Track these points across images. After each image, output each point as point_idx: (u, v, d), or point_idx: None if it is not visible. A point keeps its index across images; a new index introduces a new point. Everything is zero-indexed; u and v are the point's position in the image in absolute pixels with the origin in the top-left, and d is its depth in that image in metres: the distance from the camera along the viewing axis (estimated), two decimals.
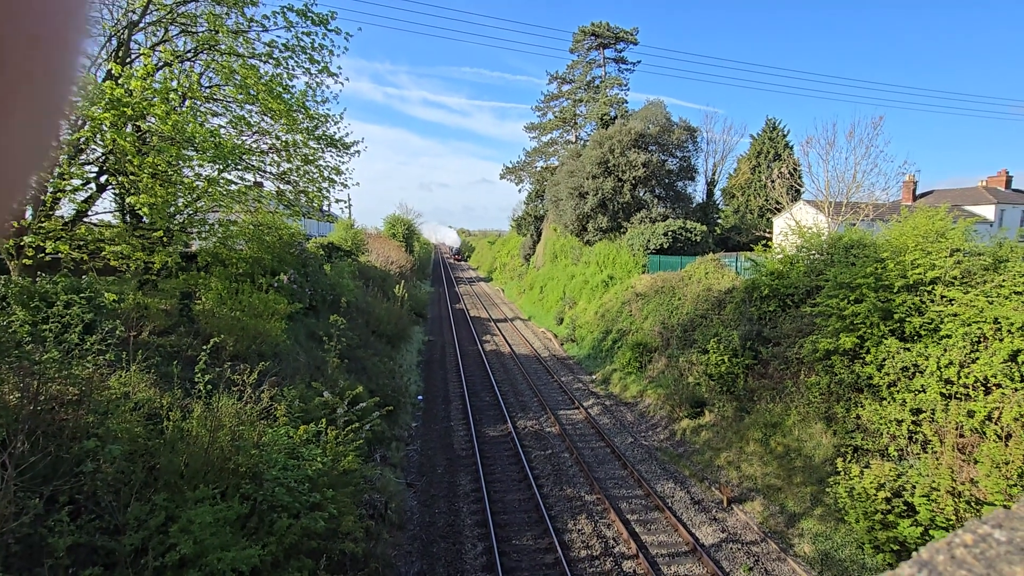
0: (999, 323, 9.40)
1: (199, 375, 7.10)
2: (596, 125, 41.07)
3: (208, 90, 11.64)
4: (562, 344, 28.27)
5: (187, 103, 10.92)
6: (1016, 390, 8.87)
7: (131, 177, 9.85)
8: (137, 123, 10.09)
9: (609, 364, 22.10)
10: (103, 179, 10.58)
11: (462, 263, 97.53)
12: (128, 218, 11.49)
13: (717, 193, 42.58)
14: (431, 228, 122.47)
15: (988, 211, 34.03)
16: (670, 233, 28.54)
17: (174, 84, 10.55)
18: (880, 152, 31.92)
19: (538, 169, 53.78)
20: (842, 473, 9.85)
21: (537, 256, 48.68)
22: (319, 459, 7.82)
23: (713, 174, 41.32)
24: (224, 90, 11.59)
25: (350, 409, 10.95)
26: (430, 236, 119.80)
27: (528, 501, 11.66)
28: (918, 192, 37.20)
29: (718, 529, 10.57)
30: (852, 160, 23.24)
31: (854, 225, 20.22)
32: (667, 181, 34.20)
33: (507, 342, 28.65)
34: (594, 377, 21.86)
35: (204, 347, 7.84)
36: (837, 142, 26.46)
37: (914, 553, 0.65)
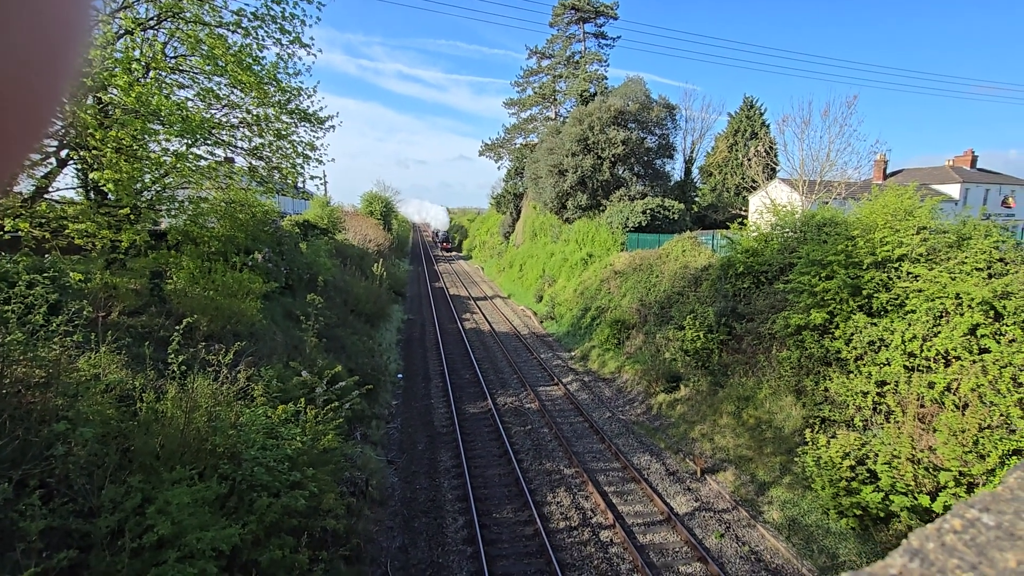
0: (960, 298, 9.77)
1: (172, 356, 6.96)
2: (576, 101, 40.73)
3: (173, 60, 11.14)
4: (541, 322, 28.47)
5: (151, 74, 10.45)
6: (974, 362, 9.28)
7: (94, 152, 9.45)
8: (98, 95, 9.64)
9: (588, 341, 22.37)
10: (64, 154, 10.13)
11: (451, 252, 73.38)
12: (92, 195, 11.06)
13: (695, 171, 42.84)
14: (416, 206, 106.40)
15: (954, 190, 35.02)
16: (648, 211, 28.71)
17: (136, 54, 10.07)
18: (853, 131, 32.36)
19: (517, 146, 53.25)
20: (810, 443, 10.25)
21: (517, 234, 48.57)
22: (298, 438, 7.82)
23: (691, 152, 41.53)
24: (190, 61, 11.11)
25: (329, 388, 10.91)
26: (412, 215, 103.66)
27: (508, 476, 11.86)
28: (888, 171, 38.00)
29: (692, 498, 10.93)
30: (826, 139, 23.63)
31: (827, 203, 20.61)
32: (646, 159, 34.25)
33: (487, 320, 28.73)
34: (573, 354, 22.13)
35: (177, 327, 7.68)
36: (812, 121, 26.81)
37: (904, 541, 0.64)
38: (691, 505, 10.71)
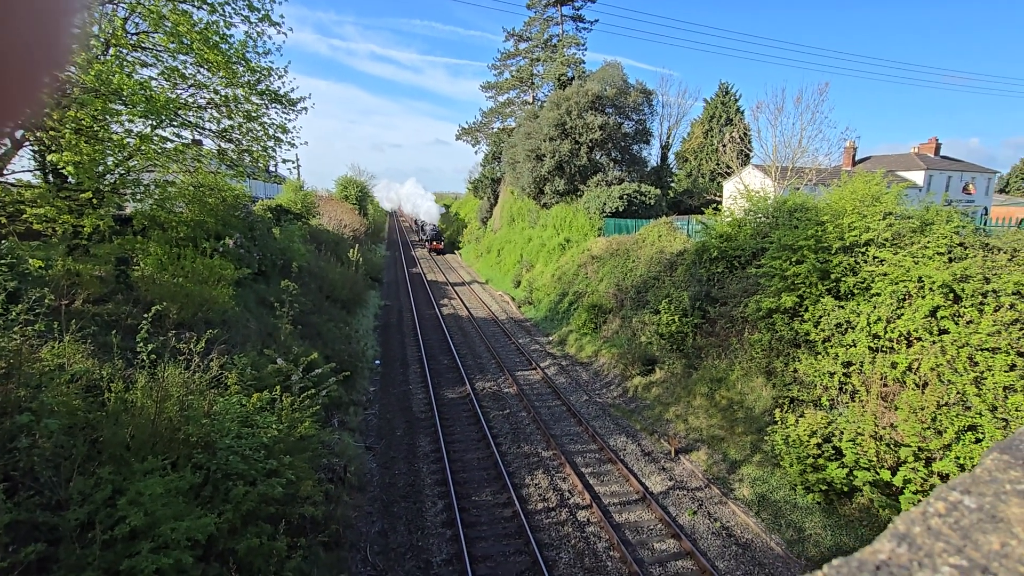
0: (922, 281, 10.13)
1: (141, 344, 6.78)
2: (553, 85, 40.46)
3: (135, 37, 10.67)
4: (519, 307, 28.56)
5: (111, 51, 10.00)
6: (934, 343, 9.67)
7: (51, 132, 9.03)
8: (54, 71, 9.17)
9: (565, 326, 22.55)
10: (19, 134, 9.65)
11: (443, 255, 52.70)
12: (51, 178, 10.60)
13: (671, 157, 43.15)
14: (409, 191, 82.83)
15: (918, 176, 36.08)
16: (625, 196, 28.88)
17: (95, 29, 9.61)
18: (825, 118, 33.07)
19: (495, 130, 52.77)
20: (779, 422, 10.59)
21: (494, 219, 48.37)
22: (274, 426, 7.73)
23: (667, 138, 41.75)
24: (153, 38, 10.65)
25: (305, 375, 10.79)
26: (405, 204, 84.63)
27: (487, 459, 11.97)
28: (857, 158, 38.91)
29: (666, 478, 11.21)
30: (799, 126, 23.99)
31: (798, 189, 21.04)
32: (623, 144, 34.33)
33: (465, 306, 28.68)
34: (551, 339, 22.30)
35: (145, 315, 7.47)
36: (785, 107, 27.21)
37: (890, 525, 0.65)
38: (666, 484, 10.99)
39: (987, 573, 0.54)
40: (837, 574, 0.57)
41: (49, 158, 9.51)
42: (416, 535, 9.38)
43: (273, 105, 12.44)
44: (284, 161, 13.73)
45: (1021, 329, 8.74)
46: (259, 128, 12.35)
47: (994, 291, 9.35)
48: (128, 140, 10.01)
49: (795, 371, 11.96)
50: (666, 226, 21.60)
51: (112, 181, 10.62)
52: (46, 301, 7.18)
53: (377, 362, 18.77)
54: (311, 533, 7.79)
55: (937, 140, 40.05)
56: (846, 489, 9.64)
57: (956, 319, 9.60)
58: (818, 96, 25.08)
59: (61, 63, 0.45)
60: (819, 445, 9.89)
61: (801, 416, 10.69)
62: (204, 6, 10.54)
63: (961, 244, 10.80)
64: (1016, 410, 8.17)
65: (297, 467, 7.57)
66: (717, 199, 29.44)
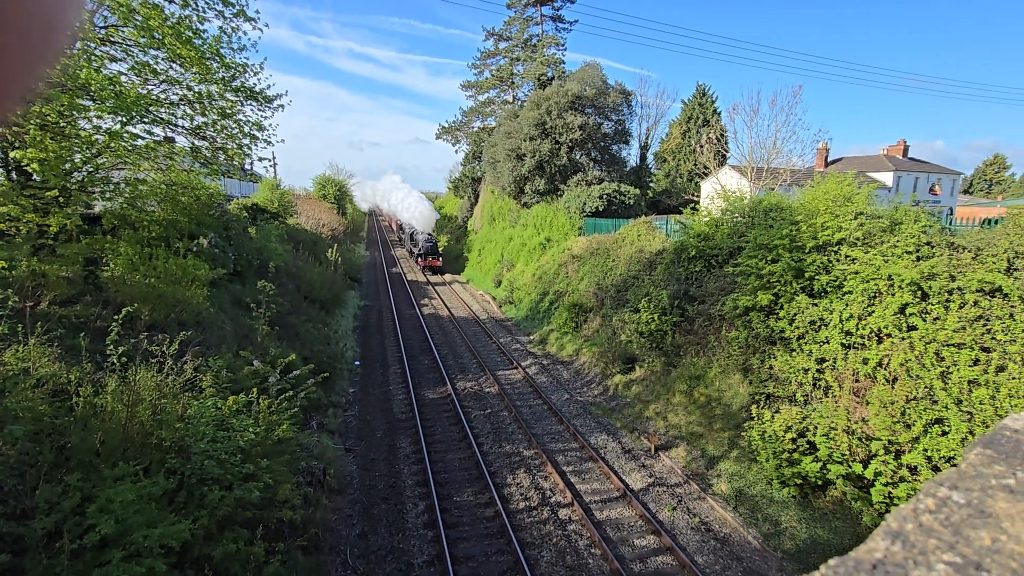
0: (892, 279, 10.42)
1: (111, 347, 6.59)
2: (533, 85, 40.54)
3: (104, 31, 10.36)
4: (500, 306, 28.55)
5: (78, 44, 9.69)
6: (903, 339, 9.96)
7: (14, 128, 8.71)
8: None
9: (546, 325, 22.62)
10: None
11: (441, 274, 40.00)
12: (14, 175, 10.23)
13: (650, 157, 43.62)
14: (388, 186, 68.42)
15: (888, 178, 37.13)
16: (605, 196, 29.08)
17: None
18: (799, 120, 33.81)
19: (475, 129, 52.60)
20: (756, 419, 10.80)
21: (475, 219, 48.26)
22: (251, 429, 7.59)
23: (646, 138, 42.19)
24: (123, 32, 10.35)
25: (283, 377, 10.61)
26: (381, 202, 74.12)
27: (468, 459, 11.94)
28: (829, 159, 39.88)
29: (646, 475, 11.33)
30: (773, 127, 24.51)
31: (773, 189, 21.46)
32: (603, 144, 34.57)
33: (445, 305, 28.55)
34: (532, 338, 22.35)
35: (115, 317, 7.26)
36: (761, 109, 27.74)
37: (882, 522, 0.66)
38: (646, 481, 11.11)
39: (980, 569, 0.55)
40: (834, 574, 0.57)
41: (12, 155, 9.17)
42: (397, 537, 9.30)
43: (249, 102, 12.22)
44: (260, 159, 13.40)
45: (984, 325, 9.06)
46: (234, 125, 12.12)
47: (959, 288, 9.68)
48: (97, 137, 9.72)
49: (771, 368, 12.20)
50: (645, 225, 21.82)
51: (80, 179, 10.30)
52: (10, 303, 6.93)
53: (357, 363, 18.56)
54: (289, 537, 7.67)
55: (905, 142, 41.27)
56: (820, 483, 9.87)
57: (924, 316, 9.90)
58: (792, 98, 25.63)
59: (53, 57, 0.45)
60: (794, 440, 10.11)
61: (776, 412, 10.91)
62: (176, 0, 10.30)
63: (928, 243, 11.14)
64: (979, 403, 8.47)
65: (275, 470, 7.44)
66: (695, 199, 29.86)
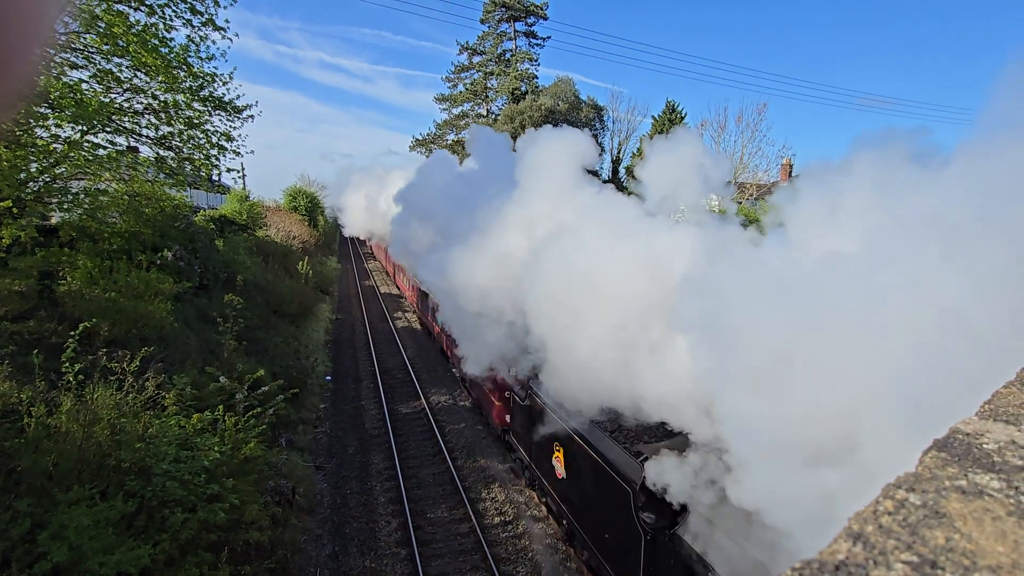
0: None
1: (67, 364, 6.31)
2: (507, 99, 41.01)
3: (64, 38, 10.04)
4: None
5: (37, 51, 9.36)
6: None
7: None
8: None
9: None
10: None
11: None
12: None
13: (622, 171, 44.40)
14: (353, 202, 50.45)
15: None
16: None
17: None
18: (764, 136, 34.90)
19: (449, 142, 52.76)
20: None
21: None
22: (216, 448, 7.34)
23: (618, 152, 42.98)
24: (85, 39, 10.07)
25: (251, 394, 10.32)
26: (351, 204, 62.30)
27: (443, 474, 11.77)
28: (793, 174, 41.32)
29: None
30: (740, 143, 25.34)
31: (740, 204, 22.09)
32: None
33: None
34: None
35: (72, 332, 6.97)
36: (728, 125, 28.65)
37: (845, 525, 0.67)
38: None
39: (936, 568, 0.56)
40: None
41: None
42: (369, 556, 9.08)
43: (217, 112, 11.99)
44: (229, 170, 13.09)
45: None
46: (201, 135, 11.86)
47: None
48: (55, 146, 9.38)
49: None
50: None
51: (36, 189, 9.90)
52: None
53: (328, 378, 18.18)
54: (256, 560, 7.40)
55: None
56: None
57: None
58: (757, 115, 26.58)
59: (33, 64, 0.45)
60: None
61: None
62: (142, 7, 10.08)
63: None
64: None
65: (241, 490, 7.20)
66: None
